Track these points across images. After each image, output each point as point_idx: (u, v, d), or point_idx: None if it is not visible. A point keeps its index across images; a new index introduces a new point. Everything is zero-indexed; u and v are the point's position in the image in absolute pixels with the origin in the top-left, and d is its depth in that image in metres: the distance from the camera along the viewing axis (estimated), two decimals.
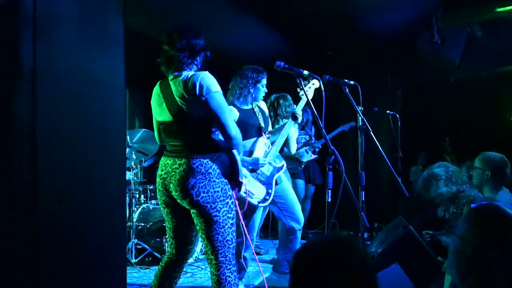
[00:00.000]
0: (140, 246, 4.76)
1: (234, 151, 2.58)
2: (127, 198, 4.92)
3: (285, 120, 4.35)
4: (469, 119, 7.40)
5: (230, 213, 2.53)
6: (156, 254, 4.70)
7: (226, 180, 2.52)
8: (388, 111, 5.07)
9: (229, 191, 2.54)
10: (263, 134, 3.55)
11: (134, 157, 5.02)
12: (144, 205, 5.06)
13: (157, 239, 4.75)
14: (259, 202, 3.36)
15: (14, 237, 1.36)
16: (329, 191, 2.55)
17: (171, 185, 2.48)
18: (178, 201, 2.51)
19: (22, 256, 1.39)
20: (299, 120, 3.65)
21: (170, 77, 2.47)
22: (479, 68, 6.31)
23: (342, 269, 1.23)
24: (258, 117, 3.58)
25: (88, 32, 1.52)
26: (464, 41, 5.54)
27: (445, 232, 3.58)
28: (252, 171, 3.43)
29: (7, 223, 1.30)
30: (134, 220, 4.78)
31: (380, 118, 5.20)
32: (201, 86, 2.38)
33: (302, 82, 2.87)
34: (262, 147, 3.49)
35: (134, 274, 4.42)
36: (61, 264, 1.50)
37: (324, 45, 6.48)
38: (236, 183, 2.59)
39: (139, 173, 5.17)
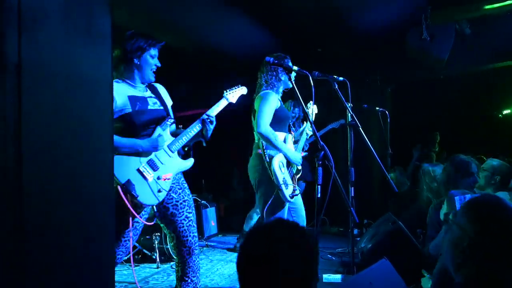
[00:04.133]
0: None
1: (114, 159, 2.66)
2: None
3: None
4: (458, 116, 7.45)
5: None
6: (146, 252, 4.68)
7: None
8: (377, 108, 5.09)
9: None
10: (291, 132, 3.53)
11: None
12: None
13: (147, 237, 4.73)
14: (289, 196, 3.34)
15: None
16: (319, 186, 2.55)
17: None
18: None
19: (7, 257, 1.37)
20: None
21: None
22: (468, 65, 6.35)
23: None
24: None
25: (74, 27, 1.50)
26: (453, 38, 5.57)
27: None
28: (287, 165, 3.41)
29: None
30: None
31: (369, 115, 5.22)
32: None
33: (292, 80, 2.87)
34: (292, 144, 3.47)
35: (123, 272, 4.40)
36: (48, 263, 1.48)
37: (314, 42, 6.49)
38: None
39: None
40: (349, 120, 3.16)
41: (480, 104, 7.38)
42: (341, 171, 3.28)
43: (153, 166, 2.67)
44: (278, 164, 3.26)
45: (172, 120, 2.84)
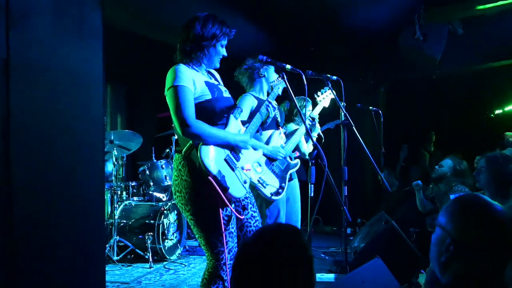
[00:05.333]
0: (122, 244, 4.70)
1: (202, 147, 2.30)
2: (109, 195, 4.85)
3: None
4: (450, 115, 7.49)
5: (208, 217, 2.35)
6: (139, 251, 4.65)
7: (201, 180, 2.28)
8: (371, 107, 5.10)
9: (204, 191, 2.30)
10: (280, 127, 3.49)
11: (116, 152, 4.95)
12: (126, 202, 5.00)
13: (140, 236, 4.70)
14: (271, 194, 3.27)
15: None
16: (312, 185, 2.54)
17: None
18: None
19: None
20: (316, 123, 3.73)
21: None
22: (460, 64, 6.39)
23: (283, 260, 1.26)
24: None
25: (64, 23, 1.48)
26: (446, 38, 5.59)
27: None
28: (270, 160, 3.36)
29: None
30: (116, 217, 4.73)
31: (363, 114, 5.22)
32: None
33: (285, 79, 2.85)
34: (278, 140, 3.44)
35: (116, 272, 4.37)
36: (37, 264, 1.46)
37: (307, 41, 6.49)
38: (217, 183, 2.28)
39: (120, 169, 5.09)
40: (343, 119, 3.16)
41: (473, 104, 7.42)
42: (335, 170, 3.28)
43: (235, 156, 2.49)
44: (251, 165, 3.26)
45: (241, 109, 2.64)
